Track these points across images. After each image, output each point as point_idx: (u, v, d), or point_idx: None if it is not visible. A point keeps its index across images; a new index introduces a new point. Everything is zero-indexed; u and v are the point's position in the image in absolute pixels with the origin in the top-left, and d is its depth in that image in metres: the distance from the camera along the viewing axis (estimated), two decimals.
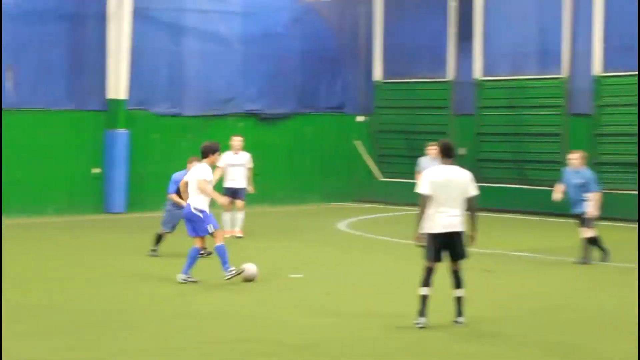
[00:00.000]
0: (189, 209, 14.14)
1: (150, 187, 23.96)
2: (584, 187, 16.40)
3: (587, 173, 16.57)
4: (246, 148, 20.11)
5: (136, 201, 24.38)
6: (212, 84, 26.18)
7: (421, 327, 10.93)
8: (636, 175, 23.44)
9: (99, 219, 22.96)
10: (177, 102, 25.74)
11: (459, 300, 11.20)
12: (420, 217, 11.16)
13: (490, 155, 26.90)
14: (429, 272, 11.14)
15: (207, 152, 14.47)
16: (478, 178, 21.22)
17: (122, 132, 24.33)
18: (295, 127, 28.02)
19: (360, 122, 29.49)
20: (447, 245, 11.11)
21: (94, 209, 23.89)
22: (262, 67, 27.06)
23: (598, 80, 24.92)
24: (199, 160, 14.79)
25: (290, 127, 27.94)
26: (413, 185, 27.64)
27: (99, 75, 24.29)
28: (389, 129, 29.37)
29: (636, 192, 23.26)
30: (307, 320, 11.62)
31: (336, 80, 29.05)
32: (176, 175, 16.58)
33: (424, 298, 11.06)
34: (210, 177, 14.36)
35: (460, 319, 11.15)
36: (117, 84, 24.28)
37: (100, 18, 24.18)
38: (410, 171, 28.64)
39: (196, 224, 14.10)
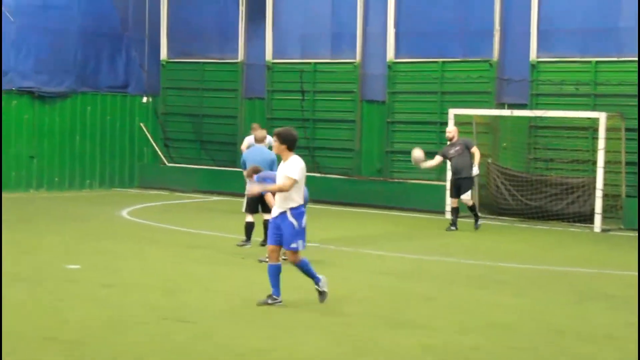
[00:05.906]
0: None
1: None
2: None
3: None
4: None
5: None
6: None
7: None
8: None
9: None
10: None
11: None
12: None
13: None
14: None
15: None
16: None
17: None
18: (74, 106, 26.31)
19: (145, 104, 27.96)
20: None
21: None
22: (38, 40, 25.12)
23: (391, 66, 24.44)
24: None
25: (70, 107, 26.19)
26: (200, 171, 26.74)
27: None
28: (175, 112, 28.04)
29: None
30: (85, 314, 10.29)
31: (119, 58, 27.37)
32: None
33: None
34: None
35: None
36: None
37: None
38: (198, 156, 27.53)
39: None
